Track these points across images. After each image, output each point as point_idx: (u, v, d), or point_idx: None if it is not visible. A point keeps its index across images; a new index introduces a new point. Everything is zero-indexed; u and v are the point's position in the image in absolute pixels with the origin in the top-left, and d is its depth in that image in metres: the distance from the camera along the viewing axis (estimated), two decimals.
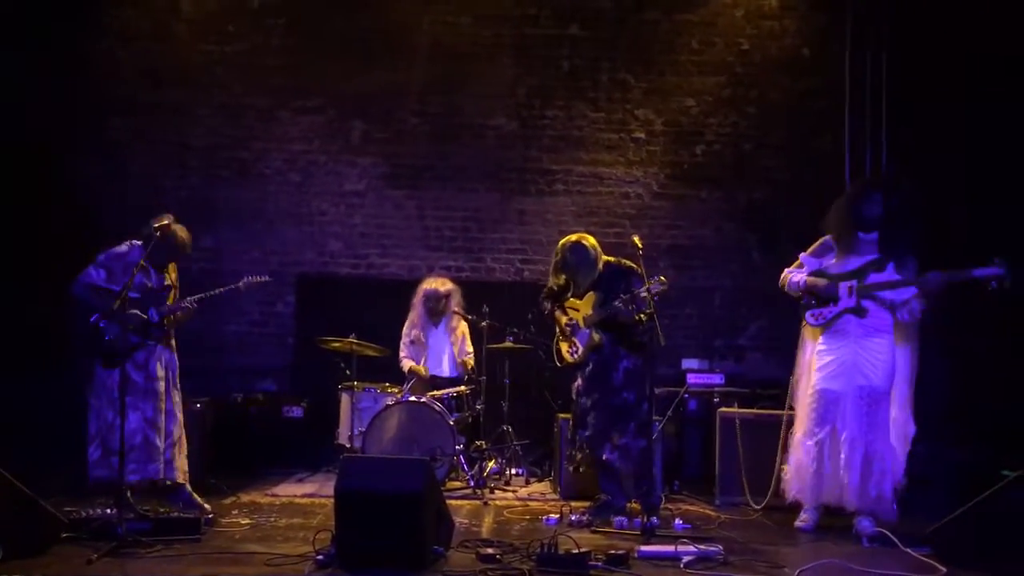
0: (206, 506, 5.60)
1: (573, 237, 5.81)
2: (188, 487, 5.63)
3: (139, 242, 5.52)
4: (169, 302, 5.62)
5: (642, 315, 5.40)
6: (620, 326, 5.63)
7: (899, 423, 5.28)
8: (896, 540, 4.84)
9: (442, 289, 7.32)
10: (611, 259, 5.80)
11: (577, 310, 5.78)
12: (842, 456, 5.21)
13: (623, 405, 5.60)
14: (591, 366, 5.71)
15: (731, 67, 8.47)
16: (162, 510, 5.22)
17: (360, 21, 8.34)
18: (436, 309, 7.33)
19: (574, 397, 5.84)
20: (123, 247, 5.53)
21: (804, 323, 5.55)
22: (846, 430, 5.23)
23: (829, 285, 5.37)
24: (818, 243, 5.57)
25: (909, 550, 4.72)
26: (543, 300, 6.00)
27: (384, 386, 7.11)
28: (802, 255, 5.60)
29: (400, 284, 8.00)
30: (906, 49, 7.82)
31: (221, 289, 5.79)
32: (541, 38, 8.44)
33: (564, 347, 5.86)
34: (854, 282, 5.30)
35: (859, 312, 5.27)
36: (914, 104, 7.77)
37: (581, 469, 6.07)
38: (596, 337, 5.66)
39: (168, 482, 5.53)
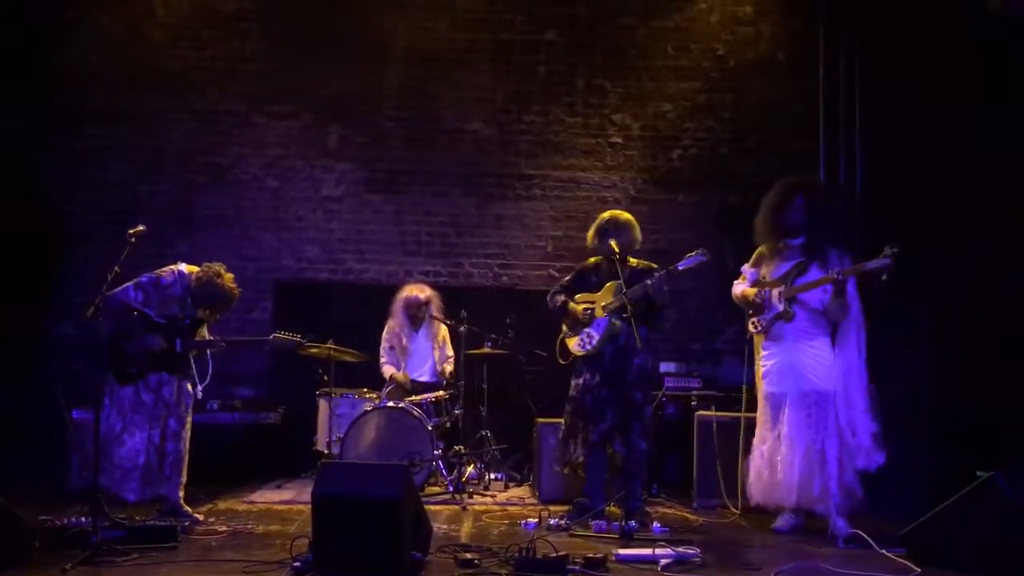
0: (198, 516, 5.59)
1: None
2: (181, 499, 5.61)
3: (185, 270, 5.51)
4: (198, 336, 5.56)
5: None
6: (640, 316, 5.61)
7: (858, 420, 5.29)
8: (871, 541, 4.89)
9: (422, 296, 7.34)
10: (633, 261, 5.86)
11: (592, 303, 5.80)
12: (783, 456, 5.30)
13: (633, 403, 5.62)
14: (606, 358, 5.69)
15: (707, 72, 8.54)
16: (138, 518, 5.19)
17: (336, 26, 8.34)
18: (417, 315, 7.34)
19: (576, 393, 5.78)
20: (168, 277, 5.49)
21: (748, 333, 5.66)
22: (787, 430, 5.31)
23: (760, 293, 5.47)
24: (756, 254, 5.70)
25: (884, 551, 4.76)
26: (555, 294, 5.97)
27: (362, 391, 7.11)
28: (743, 267, 5.75)
29: (378, 289, 7.99)
30: (879, 52, 7.89)
31: (249, 339, 5.81)
32: (518, 43, 8.47)
33: (572, 341, 5.83)
34: (782, 287, 5.40)
35: (786, 316, 5.36)
36: (888, 106, 7.84)
37: (580, 472, 6.06)
38: (616, 323, 5.65)
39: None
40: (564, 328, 5.94)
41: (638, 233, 5.88)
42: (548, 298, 6.03)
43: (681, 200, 8.50)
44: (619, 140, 8.52)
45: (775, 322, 5.43)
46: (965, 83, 7.38)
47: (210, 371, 5.63)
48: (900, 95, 7.74)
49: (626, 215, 5.92)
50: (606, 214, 5.95)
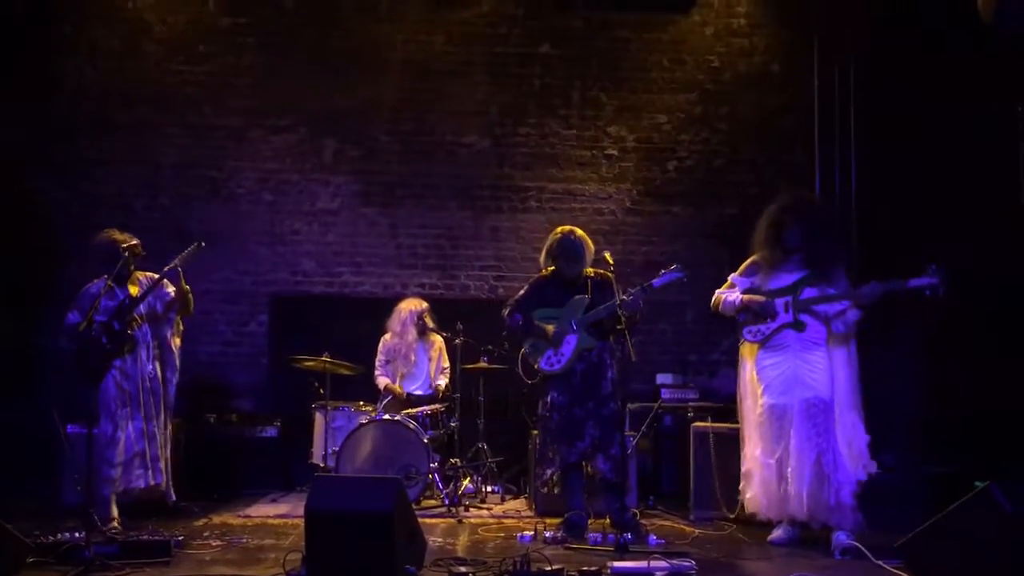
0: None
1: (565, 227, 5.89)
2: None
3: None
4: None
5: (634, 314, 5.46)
6: (608, 332, 5.61)
7: (853, 430, 5.30)
8: (867, 553, 4.86)
9: (423, 307, 7.36)
10: (589, 271, 5.80)
11: (556, 318, 5.73)
12: (793, 468, 5.25)
13: (611, 415, 5.59)
14: (577, 376, 5.65)
15: (702, 84, 8.56)
16: (132, 533, 5.18)
17: (332, 39, 8.36)
18: (424, 328, 7.34)
19: (546, 412, 5.75)
20: (91, 285, 5.73)
21: (741, 341, 5.62)
22: (795, 441, 5.27)
23: (766, 302, 5.45)
24: (747, 263, 5.68)
25: (880, 562, 4.74)
26: (512, 312, 5.85)
27: (358, 405, 7.09)
28: (732, 276, 5.71)
29: (374, 302, 7.99)
30: (873, 63, 7.92)
31: (155, 281, 5.85)
32: (513, 56, 8.49)
33: (539, 359, 5.76)
34: (789, 298, 5.39)
35: (798, 326, 5.35)
36: (882, 117, 7.86)
37: (556, 491, 6.06)
38: (591, 340, 5.61)
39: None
40: (525, 347, 5.86)
41: (590, 246, 5.81)
42: (505, 315, 5.90)
43: (676, 212, 8.50)
44: (614, 152, 8.53)
45: (781, 331, 5.41)
46: (959, 93, 7.42)
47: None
48: (895, 106, 7.76)
49: (567, 231, 5.81)
50: (557, 232, 5.84)
